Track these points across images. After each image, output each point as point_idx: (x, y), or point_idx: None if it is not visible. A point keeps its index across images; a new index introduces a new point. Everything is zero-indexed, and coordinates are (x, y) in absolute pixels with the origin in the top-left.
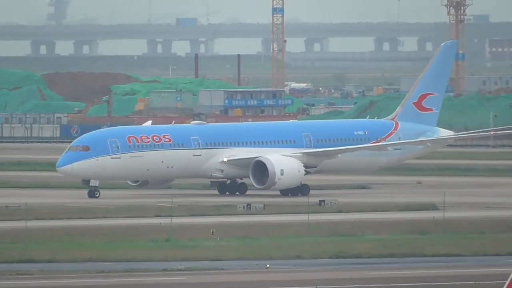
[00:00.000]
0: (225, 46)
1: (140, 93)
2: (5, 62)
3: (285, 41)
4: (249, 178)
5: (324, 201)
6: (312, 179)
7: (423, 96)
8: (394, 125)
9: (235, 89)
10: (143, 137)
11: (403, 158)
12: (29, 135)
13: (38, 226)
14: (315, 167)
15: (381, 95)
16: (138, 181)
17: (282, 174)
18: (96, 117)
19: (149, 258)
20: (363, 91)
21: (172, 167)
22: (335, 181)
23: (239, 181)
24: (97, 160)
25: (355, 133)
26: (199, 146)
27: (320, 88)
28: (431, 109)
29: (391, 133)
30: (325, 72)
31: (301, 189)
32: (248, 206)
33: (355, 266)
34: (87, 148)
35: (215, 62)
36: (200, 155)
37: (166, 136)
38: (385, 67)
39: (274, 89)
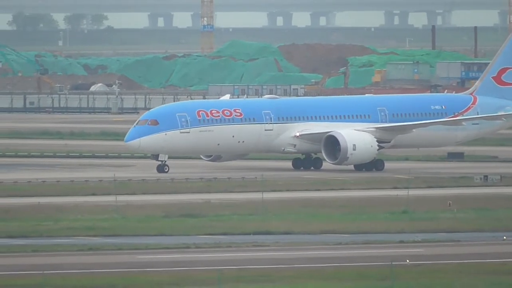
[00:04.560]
0: (462, 18)
1: (377, 65)
2: (241, 33)
3: None
4: (322, 153)
5: None
6: None
7: (502, 70)
8: (472, 99)
9: (472, 61)
10: (213, 111)
11: (481, 133)
12: None
13: (274, 198)
14: (389, 142)
15: None
16: (211, 156)
17: (354, 149)
18: (333, 88)
19: (386, 230)
20: None
21: (243, 141)
22: None
23: (314, 156)
24: (166, 134)
25: (432, 107)
26: (271, 121)
27: None
28: (511, 84)
29: (469, 108)
30: None
31: (375, 164)
32: (485, 177)
33: None
34: (155, 122)
35: (452, 34)
36: (272, 130)
37: (237, 111)
38: None
39: None
